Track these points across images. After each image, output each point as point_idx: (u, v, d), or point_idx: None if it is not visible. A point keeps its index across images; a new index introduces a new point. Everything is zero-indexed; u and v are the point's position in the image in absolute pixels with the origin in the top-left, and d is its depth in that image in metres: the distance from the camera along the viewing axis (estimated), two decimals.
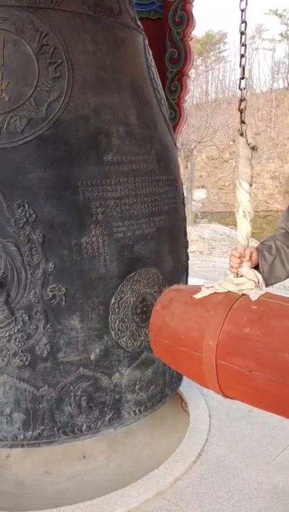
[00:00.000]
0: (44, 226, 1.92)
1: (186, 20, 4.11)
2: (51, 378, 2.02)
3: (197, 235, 13.58)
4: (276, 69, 31.03)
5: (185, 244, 2.60)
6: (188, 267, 2.69)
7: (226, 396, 1.56)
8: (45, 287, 1.95)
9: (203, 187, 29.19)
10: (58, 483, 2.52)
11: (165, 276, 2.28)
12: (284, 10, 28.34)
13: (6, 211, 1.88)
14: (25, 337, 1.96)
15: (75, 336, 2.02)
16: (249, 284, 1.56)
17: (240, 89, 1.65)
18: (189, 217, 15.84)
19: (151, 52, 2.46)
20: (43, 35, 1.94)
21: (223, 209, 28.69)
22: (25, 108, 1.90)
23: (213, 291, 1.60)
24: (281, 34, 30.11)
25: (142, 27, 2.41)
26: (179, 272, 2.46)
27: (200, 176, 29.10)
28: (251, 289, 1.54)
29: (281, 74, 31.44)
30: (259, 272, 1.67)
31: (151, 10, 4.17)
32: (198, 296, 1.61)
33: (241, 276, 1.59)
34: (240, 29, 1.60)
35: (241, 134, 1.59)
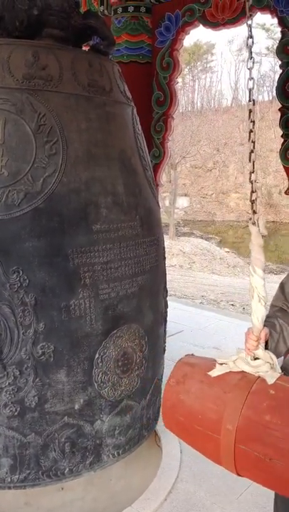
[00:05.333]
0: (36, 290, 2.10)
1: (172, 66, 4.36)
2: (38, 427, 2.20)
3: (178, 248, 13.85)
4: (261, 82, 31.71)
5: (164, 296, 2.80)
6: (167, 315, 2.89)
7: (240, 475, 1.61)
8: (36, 345, 2.13)
9: (186, 195, 29.56)
10: None
11: (145, 330, 2.48)
12: (271, 24, 28.93)
13: (2, 276, 2.06)
14: (16, 390, 2.14)
15: (62, 388, 2.21)
16: (265, 366, 1.63)
17: (250, 181, 1.72)
18: (171, 230, 16.14)
19: (138, 119, 2.66)
20: (41, 115, 2.12)
21: (206, 218, 29.09)
22: (23, 183, 2.08)
23: (228, 370, 1.66)
24: (267, 48, 30.72)
25: (130, 98, 2.61)
26: (158, 322, 2.66)
27: (183, 184, 29.46)
28: (267, 372, 1.61)
29: (266, 87, 32.08)
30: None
31: (140, 54, 4.41)
32: (213, 373, 1.66)
33: (257, 358, 1.67)
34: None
35: (253, 223, 1.69)
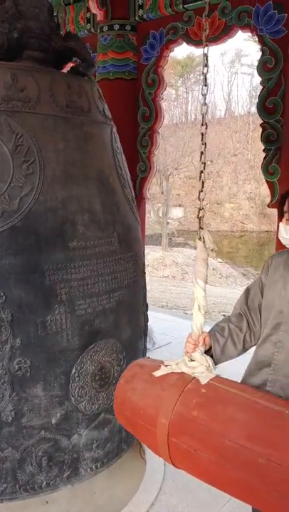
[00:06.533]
0: (13, 306, 2.14)
1: (157, 82, 4.45)
2: (15, 441, 2.23)
3: (171, 259, 13.90)
4: (254, 93, 31.98)
5: (144, 311, 2.85)
6: (147, 329, 2.93)
7: (176, 467, 1.74)
8: (12, 360, 2.17)
9: (180, 205, 29.68)
10: None
11: (123, 344, 2.53)
12: None
13: None
14: None
15: (38, 403, 2.24)
16: (201, 368, 1.77)
17: (199, 198, 1.85)
18: (164, 241, 16.22)
19: (118, 137, 2.72)
20: (18, 136, 2.18)
21: None
22: (0, 202, 2.13)
23: (170, 371, 1.80)
24: None
25: (110, 117, 2.67)
26: (137, 337, 2.71)
27: (178, 195, 29.59)
28: (202, 373, 1.75)
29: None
30: (212, 352, 1.89)
31: (125, 71, 4.49)
32: (157, 373, 1.80)
33: (194, 360, 1.81)
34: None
35: (199, 239, 1.79)
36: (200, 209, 1.78)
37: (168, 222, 19.90)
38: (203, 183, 1.77)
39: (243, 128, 31.38)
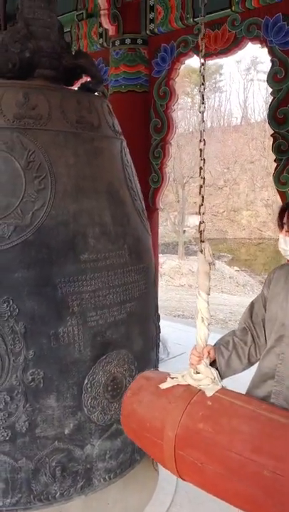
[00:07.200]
0: (26, 318, 2.19)
1: (169, 94, 4.50)
2: (29, 451, 2.27)
3: (187, 268, 13.88)
4: (270, 100, 31.91)
5: (156, 322, 2.87)
6: (159, 340, 2.95)
7: (183, 479, 1.77)
8: (26, 372, 2.21)
9: (197, 213, 29.67)
10: None
11: (135, 355, 2.55)
12: None
13: None
14: (7, 415, 2.22)
15: (51, 414, 2.28)
16: (206, 380, 1.79)
17: (199, 212, 1.89)
18: (180, 249, 16.23)
19: (128, 151, 2.77)
20: (30, 152, 2.24)
21: (217, 235, 29.08)
22: (13, 216, 2.19)
23: (176, 383, 1.83)
24: None
25: (120, 131, 2.72)
26: (148, 348, 2.73)
27: (194, 203, 29.56)
28: (208, 385, 1.77)
29: None
30: (217, 365, 1.92)
31: (137, 84, 4.56)
32: (163, 386, 1.83)
33: (199, 372, 1.83)
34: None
35: (201, 251, 1.84)
36: (200, 222, 1.82)
37: (184, 231, 19.90)
38: (203, 197, 1.81)
39: (260, 135, 31.22)
